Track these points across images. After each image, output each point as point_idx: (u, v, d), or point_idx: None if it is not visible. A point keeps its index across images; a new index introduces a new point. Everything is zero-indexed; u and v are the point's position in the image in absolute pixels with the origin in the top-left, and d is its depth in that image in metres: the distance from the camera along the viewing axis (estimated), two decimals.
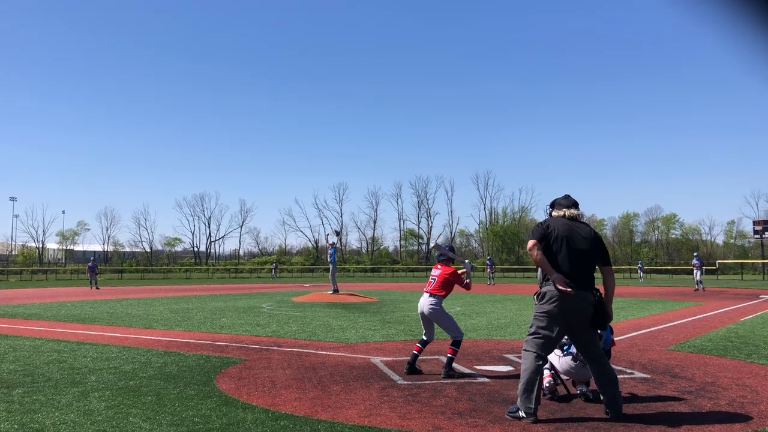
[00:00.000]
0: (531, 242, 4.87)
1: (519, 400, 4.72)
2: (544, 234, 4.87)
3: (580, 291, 4.71)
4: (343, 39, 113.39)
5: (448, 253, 6.88)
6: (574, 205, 5.04)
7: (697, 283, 26.96)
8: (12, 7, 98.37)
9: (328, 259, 20.79)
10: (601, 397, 4.86)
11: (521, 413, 4.65)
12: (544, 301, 4.79)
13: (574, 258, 4.77)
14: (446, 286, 6.71)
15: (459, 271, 6.80)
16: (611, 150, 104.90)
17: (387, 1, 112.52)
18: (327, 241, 20.21)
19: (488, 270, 36.57)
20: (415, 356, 6.68)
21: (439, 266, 6.86)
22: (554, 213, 5.07)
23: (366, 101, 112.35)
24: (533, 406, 4.63)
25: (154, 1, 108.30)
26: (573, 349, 5.35)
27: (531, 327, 4.90)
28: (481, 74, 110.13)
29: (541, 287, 4.87)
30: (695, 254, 29.39)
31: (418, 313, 6.86)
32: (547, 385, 5.36)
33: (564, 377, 5.54)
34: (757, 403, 5.27)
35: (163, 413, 4.83)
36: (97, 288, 30.32)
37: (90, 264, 31.97)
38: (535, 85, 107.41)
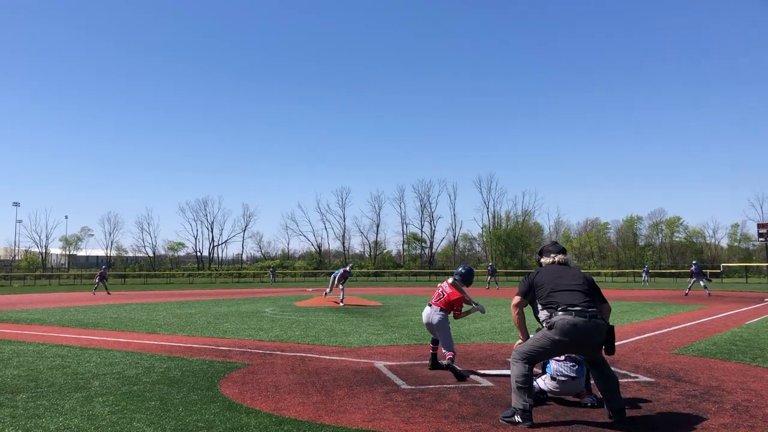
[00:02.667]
0: (515, 299, 5.14)
1: (513, 401, 4.73)
2: (531, 285, 5.05)
3: (590, 320, 4.69)
4: (346, 43, 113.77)
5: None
6: (562, 251, 5.27)
7: (690, 288, 26.26)
8: (16, 11, 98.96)
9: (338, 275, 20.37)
10: (604, 402, 4.85)
11: (517, 417, 4.65)
12: (554, 331, 4.72)
13: (570, 290, 4.84)
14: (448, 306, 7.05)
15: (463, 307, 7.19)
16: (615, 153, 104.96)
17: (391, 6, 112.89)
18: (337, 278, 19.87)
19: (489, 277, 37.21)
20: (434, 355, 7.13)
21: (448, 286, 7.17)
22: (543, 260, 5.26)
23: (368, 105, 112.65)
24: (528, 404, 4.65)
25: (158, 6, 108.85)
26: (549, 369, 5.43)
27: (531, 342, 4.86)
28: (483, 78, 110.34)
29: (550, 317, 4.80)
30: (694, 262, 28.55)
31: (424, 324, 7.14)
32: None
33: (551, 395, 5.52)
34: (762, 407, 5.25)
35: (167, 418, 4.83)
36: (108, 293, 30.58)
37: (101, 271, 32.77)
38: (537, 88, 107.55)
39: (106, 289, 31.67)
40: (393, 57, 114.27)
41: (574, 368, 5.31)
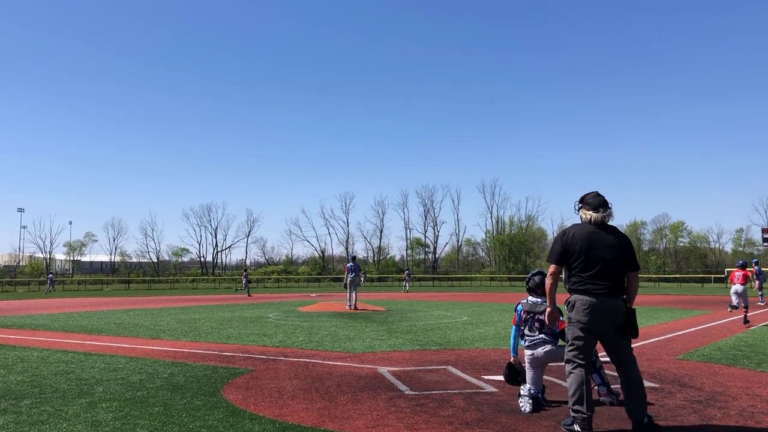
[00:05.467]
0: (551, 269, 4.86)
1: (571, 410, 4.60)
2: (563, 251, 4.77)
3: (608, 299, 4.63)
4: (348, 49, 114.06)
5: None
6: (603, 205, 4.79)
7: (760, 296, 23.38)
8: (18, 17, 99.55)
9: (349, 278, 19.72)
10: (626, 409, 4.70)
11: (576, 426, 4.54)
12: (573, 310, 4.72)
13: (597, 267, 4.64)
14: None
15: None
16: (618, 158, 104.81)
17: (393, 11, 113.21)
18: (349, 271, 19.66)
19: (405, 280, 43.33)
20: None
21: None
22: (582, 214, 4.88)
23: (372, 111, 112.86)
24: (587, 413, 4.52)
25: (160, 13, 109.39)
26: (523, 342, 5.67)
27: (567, 337, 4.83)
28: (486, 82, 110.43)
29: (571, 294, 4.79)
30: (755, 261, 25.23)
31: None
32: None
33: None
34: (767, 413, 5.22)
35: (171, 424, 4.83)
36: (249, 295, 34.59)
37: (245, 273, 37.80)
38: (541, 93, 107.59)
39: (248, 291, 35.64)
40: (397, 62, 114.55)
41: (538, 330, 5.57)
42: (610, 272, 4.65)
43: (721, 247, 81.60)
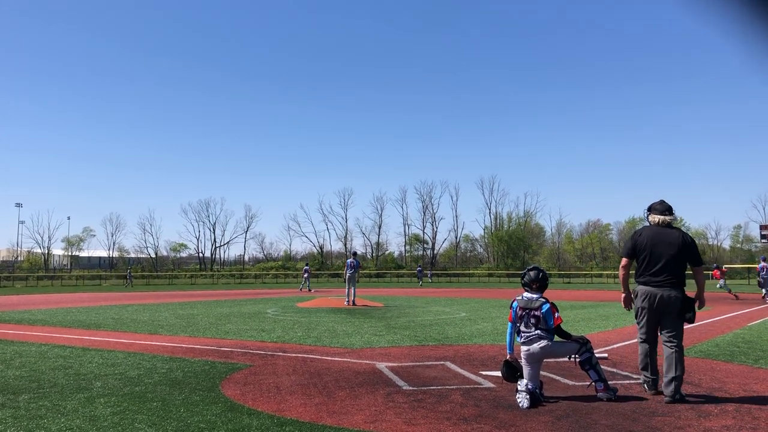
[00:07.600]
0: (622, 261, 5.86)
1: (641, 377, 5.76)
2: (633, 247, 5.75)
3: (663, 289, 5.52)
4: (348, 44, 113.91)
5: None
6: (668, 210, 5.73)
7: (765, 291, 23.28)
8: (17, 12, 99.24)
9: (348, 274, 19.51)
10: (663, 380, 5.49)
11: (645, 386, 5.69)
12: (636, 297, 5.72)
13: (659, 261, 5.55)
14: None
15: None
16: (616, 154, 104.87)
17: (392, 6, 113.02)
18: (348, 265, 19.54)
19: (418, 276, 50.32)
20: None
21: None
22: (650, 218, 5.79)
23: (371, 106, 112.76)
24: (651, 376, 5.66)
25: (160, 7, 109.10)
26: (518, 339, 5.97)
27: (636, 318, 5.81)
28: (485, 78, 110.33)
29: (637, 285, 5.75)
30: (762, 258, 24.96)
31: None
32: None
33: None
34: (764, 409, 5.23)
35: (169, 419, 4.84)
36: (310, 290, 33.80)
37: (306, 268, 36.28)
38: (539, 89, 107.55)
39: (309, 286, 35.05)
40: (395, 57, 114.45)
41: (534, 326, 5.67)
42: (668, 267, 5.53)
43: (719, 244, 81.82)
